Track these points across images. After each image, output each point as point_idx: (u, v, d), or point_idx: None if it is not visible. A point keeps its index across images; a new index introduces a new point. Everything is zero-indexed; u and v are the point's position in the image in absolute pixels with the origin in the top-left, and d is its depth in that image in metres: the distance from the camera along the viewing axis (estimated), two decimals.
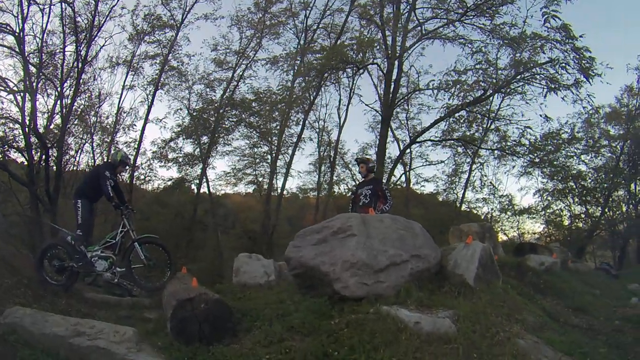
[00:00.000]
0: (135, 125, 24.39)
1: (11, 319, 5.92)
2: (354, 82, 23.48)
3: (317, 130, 25.17)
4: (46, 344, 5.62)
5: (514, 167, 22.31)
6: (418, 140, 20.27)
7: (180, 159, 24.25)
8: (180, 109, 23.88)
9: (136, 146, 23.89)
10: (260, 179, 25.43)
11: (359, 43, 18.04)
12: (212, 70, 23.95)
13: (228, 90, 23.78)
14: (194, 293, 6.50)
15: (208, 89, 23.93)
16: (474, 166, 23.38)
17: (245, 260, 9.85)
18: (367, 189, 8.94)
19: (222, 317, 6.25)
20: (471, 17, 16.93)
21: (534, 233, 26.21)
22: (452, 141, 20.95)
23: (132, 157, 23.05)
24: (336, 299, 6.44)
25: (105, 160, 21.07)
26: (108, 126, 23.79)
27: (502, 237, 24.91)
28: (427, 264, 6.90)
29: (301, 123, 23.47)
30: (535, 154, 19.51)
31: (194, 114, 23.47)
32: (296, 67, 22.15)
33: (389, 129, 19.50)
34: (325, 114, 25.91)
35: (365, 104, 22.20)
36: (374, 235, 6.75)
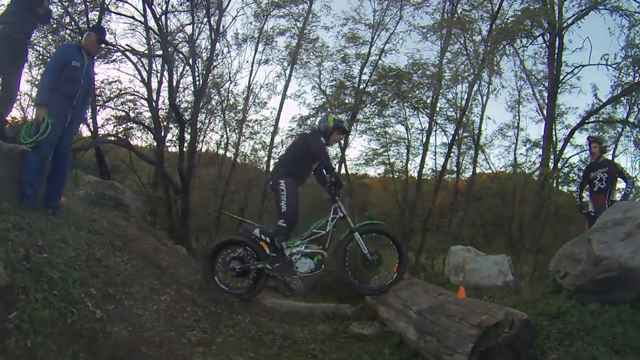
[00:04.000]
0: (266, 103, 22.04)
1: None
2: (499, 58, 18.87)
3: (456, 107, 20.10)
4: None
5: None
6: (588, 120, 16.06)
7: None
8: (315, 87, 20.84)
9: (273, 123, 20.88)
10: (393, 160, 21.97)
11: (530, 13, 14.62)
12: (344, 46, 20.44)
13: (368, 65, 20.19)
14: (499, 314, 4.22)
15: (344, 65, 20.46)
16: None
17: (470, 256, 7.39)
18: (603, 173, 7.43)
19: (526, 342, 4.39)
20: None
21: None
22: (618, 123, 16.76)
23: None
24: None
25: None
26: (238, 104, 20.80)
27: None
28: None
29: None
30: None
31: (330, 91, 20.38)
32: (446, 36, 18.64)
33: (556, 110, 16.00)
34: (462, 91, 20.60)
35: (537, 79, 18.14)
36: None
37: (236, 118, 20.52)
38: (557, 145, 17.32)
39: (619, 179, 7.55)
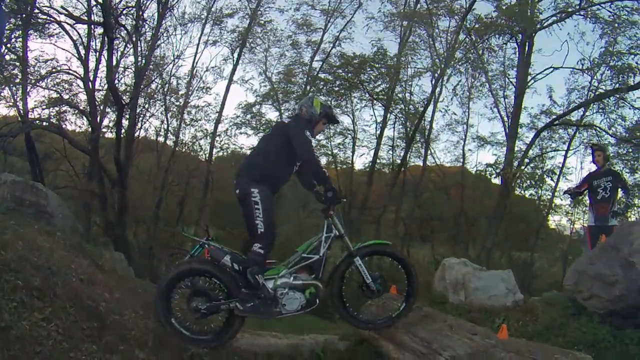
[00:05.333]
0: (210, 88, 19.16)
1: None
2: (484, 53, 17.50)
3: (404, 101, 19.08)
4: None
5: None
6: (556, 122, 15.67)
7: (260, 126, 19.04)
8: (261, 73, 19.12)
9: (218, 109, 18.84)
10: (336, 151, 20.56)
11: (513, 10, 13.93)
12: (294, 32, 18.76)
13: (320, 53, 18.69)
14: None
15: (294, 51, 18.87)
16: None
17: (470, 272, 6.03)
18: (607, 182, 7.02)
19: None
20: None
21: None
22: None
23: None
24: None
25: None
26: (181, 88, 18.52)
27: None
28: None
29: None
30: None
31: (276, 78, 18.88)
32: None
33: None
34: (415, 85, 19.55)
35: (506, 76, 16.97)
36: None
37: (177, 103, 18.35)
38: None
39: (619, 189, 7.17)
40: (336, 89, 17.94)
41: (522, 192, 17.20)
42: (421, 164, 20.32)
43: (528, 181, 15.71)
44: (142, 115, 16.76)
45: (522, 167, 14.68)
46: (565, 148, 16.91)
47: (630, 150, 14.42)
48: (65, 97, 14.13)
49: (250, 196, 4.01)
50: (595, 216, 6.82)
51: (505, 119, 16.58)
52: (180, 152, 18.92)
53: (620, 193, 7.21)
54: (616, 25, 12.57)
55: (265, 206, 4.02)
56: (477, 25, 14.13)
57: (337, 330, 5.86)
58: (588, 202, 7.40)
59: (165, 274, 4.11)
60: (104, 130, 15.47)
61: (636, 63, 12.51)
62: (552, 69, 14.43)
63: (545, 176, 15.85)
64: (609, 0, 12.35)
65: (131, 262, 10.46)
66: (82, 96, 14.54)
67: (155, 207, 16.69)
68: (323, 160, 20.35)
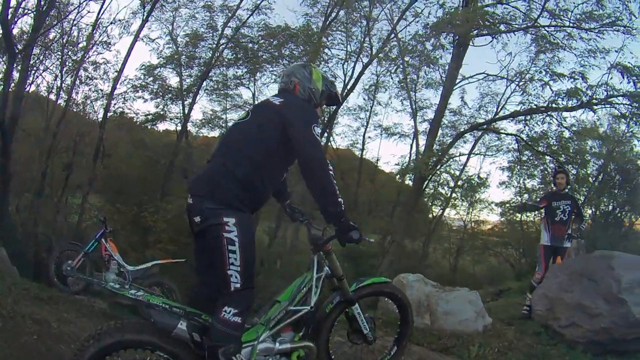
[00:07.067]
0: (111, 43, 15.81)
1: None
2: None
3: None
4: None
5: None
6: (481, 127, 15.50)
7: (160, 91, 16.57)
8: (168, 33, 16.66)
9: (119, 68, 15.68)
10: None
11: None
12: None
13: (234, 19, 16.49)
14: None
15: (207, 13, 16.37)
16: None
17: (434, 293, 5.51)
18: (567, 205, 6.86)
19: None
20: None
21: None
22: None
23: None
24: None
25: None
26: (81, 40, 15.34)
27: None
28: None
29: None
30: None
31: (183, 40, 16.66)
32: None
33: None
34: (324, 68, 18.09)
35: (440, 73, 16.23)
36: None
37: (74, 57, 15.31)
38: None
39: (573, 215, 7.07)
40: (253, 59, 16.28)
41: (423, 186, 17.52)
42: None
43: (451, 180, 15.95)
44: (35, 69, 14.16)
45: (442, 166, 14.84)
46: (469, 150, 17.34)
47: (532, 157, 14.82)
48: None
49: (221, 230, 2.41)
50: (552, 236, 6.63)
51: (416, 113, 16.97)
52: (71, 112, 16.27)
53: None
54: (553, 47, 12.35)
55: (246, 246, 2.45)
56: (435, 20, 13.28)
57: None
58: (543, 220, 7.18)
59: (78, 349, 2.33)
60: None
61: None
62: (485, 74, 14.34)
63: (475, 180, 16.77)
64: (555, 26, 11.92)
65: (14, 246, 8.70)
66: None
67: (41, 176, 14.06)
68: (216, 132, 18.19)
